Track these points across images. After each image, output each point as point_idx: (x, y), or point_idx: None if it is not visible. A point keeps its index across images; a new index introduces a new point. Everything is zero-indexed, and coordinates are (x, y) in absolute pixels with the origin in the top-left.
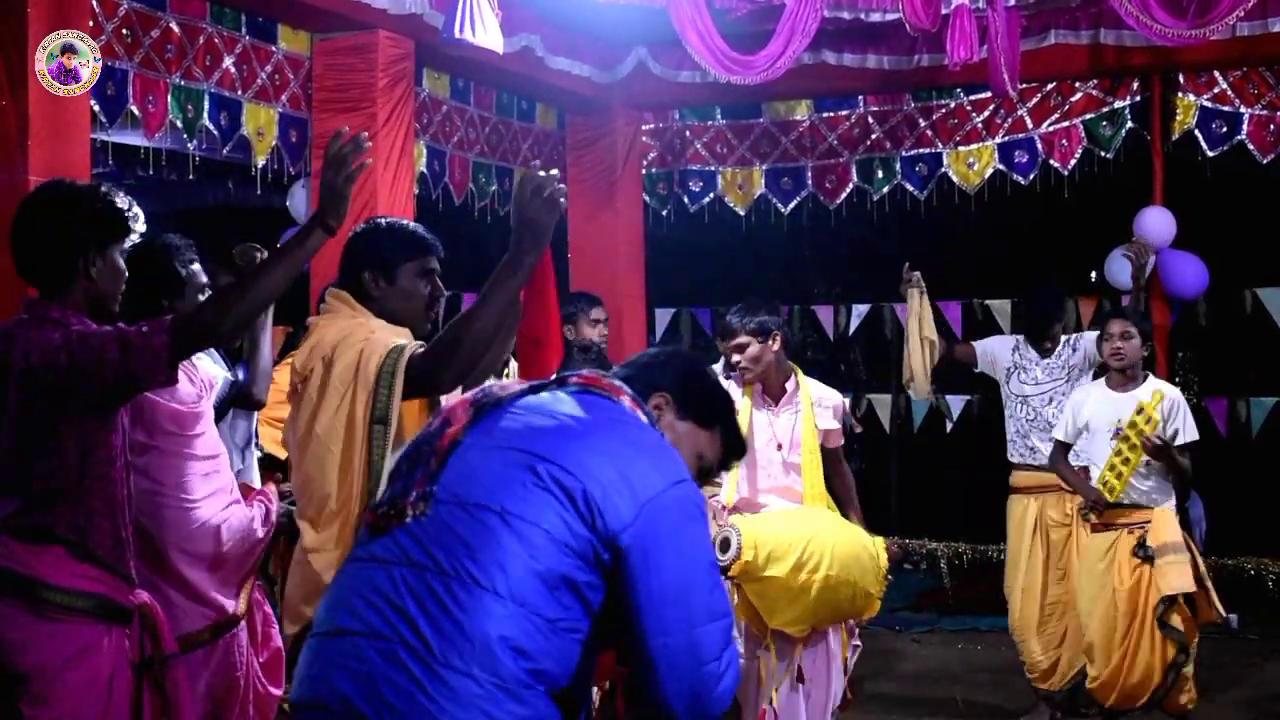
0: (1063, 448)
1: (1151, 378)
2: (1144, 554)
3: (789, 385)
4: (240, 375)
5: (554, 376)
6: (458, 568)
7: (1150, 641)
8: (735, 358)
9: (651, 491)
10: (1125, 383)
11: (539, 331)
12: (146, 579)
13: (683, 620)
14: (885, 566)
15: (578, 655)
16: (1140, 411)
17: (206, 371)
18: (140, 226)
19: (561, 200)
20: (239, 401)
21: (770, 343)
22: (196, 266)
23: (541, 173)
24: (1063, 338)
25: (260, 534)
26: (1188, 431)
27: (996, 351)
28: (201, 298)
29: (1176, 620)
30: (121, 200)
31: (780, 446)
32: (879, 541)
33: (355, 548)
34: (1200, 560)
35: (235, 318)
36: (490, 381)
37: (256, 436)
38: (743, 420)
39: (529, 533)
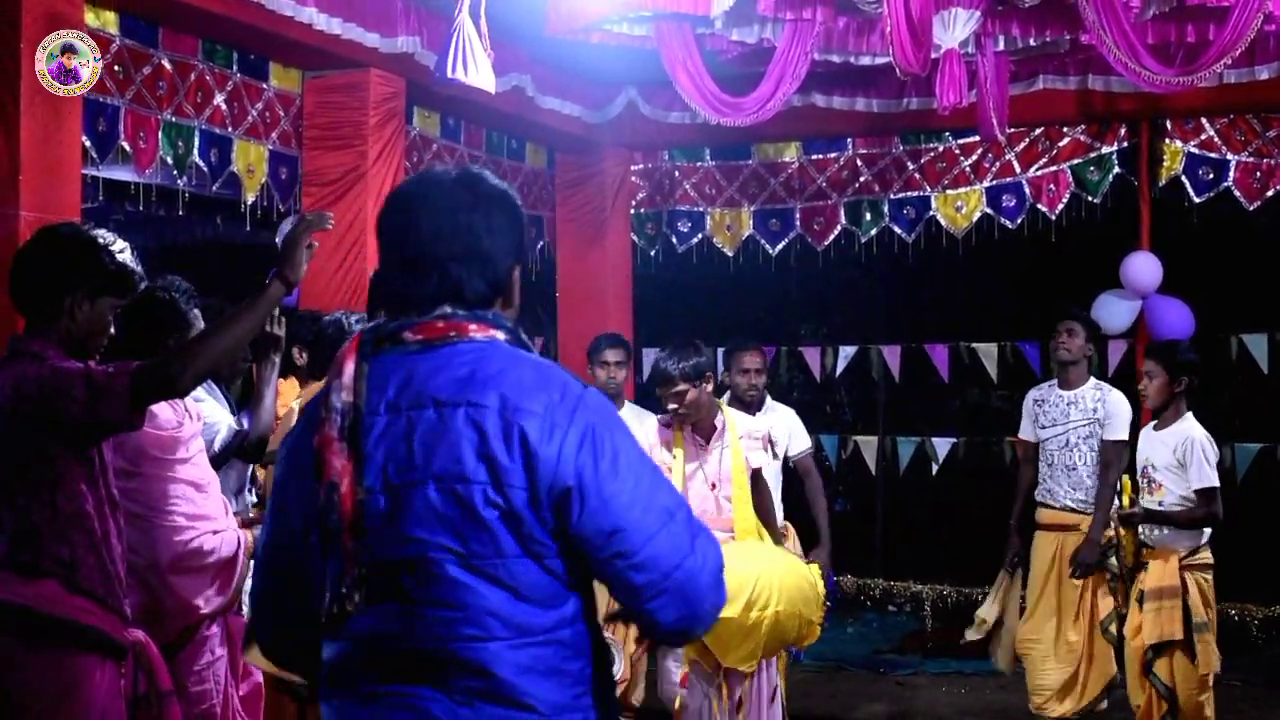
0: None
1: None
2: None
3: (717, 422)
4: (245, 423)
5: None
6: (452, 634)
7: (1138, 687)
8: (672, 405)
9: (565, 424)
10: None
11: None
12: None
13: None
14: (823, 593)
15: (587, 630)
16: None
17: (194, 404)
18: (136, 289)
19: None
20: (238, 450)
21: (705, 385)
22: (198, 312)
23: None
24: (1091, 382)
25: (242, 559)
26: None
27: (1025, 413)
28: None
29: (1161, 670)
30: (133, 263)
31: (714, 485)
32: (814, 569)
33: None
34: (1205, 610)
35: (196, 371)
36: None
37: (254, 481)
38: (676, 469)
39: (491, 567)
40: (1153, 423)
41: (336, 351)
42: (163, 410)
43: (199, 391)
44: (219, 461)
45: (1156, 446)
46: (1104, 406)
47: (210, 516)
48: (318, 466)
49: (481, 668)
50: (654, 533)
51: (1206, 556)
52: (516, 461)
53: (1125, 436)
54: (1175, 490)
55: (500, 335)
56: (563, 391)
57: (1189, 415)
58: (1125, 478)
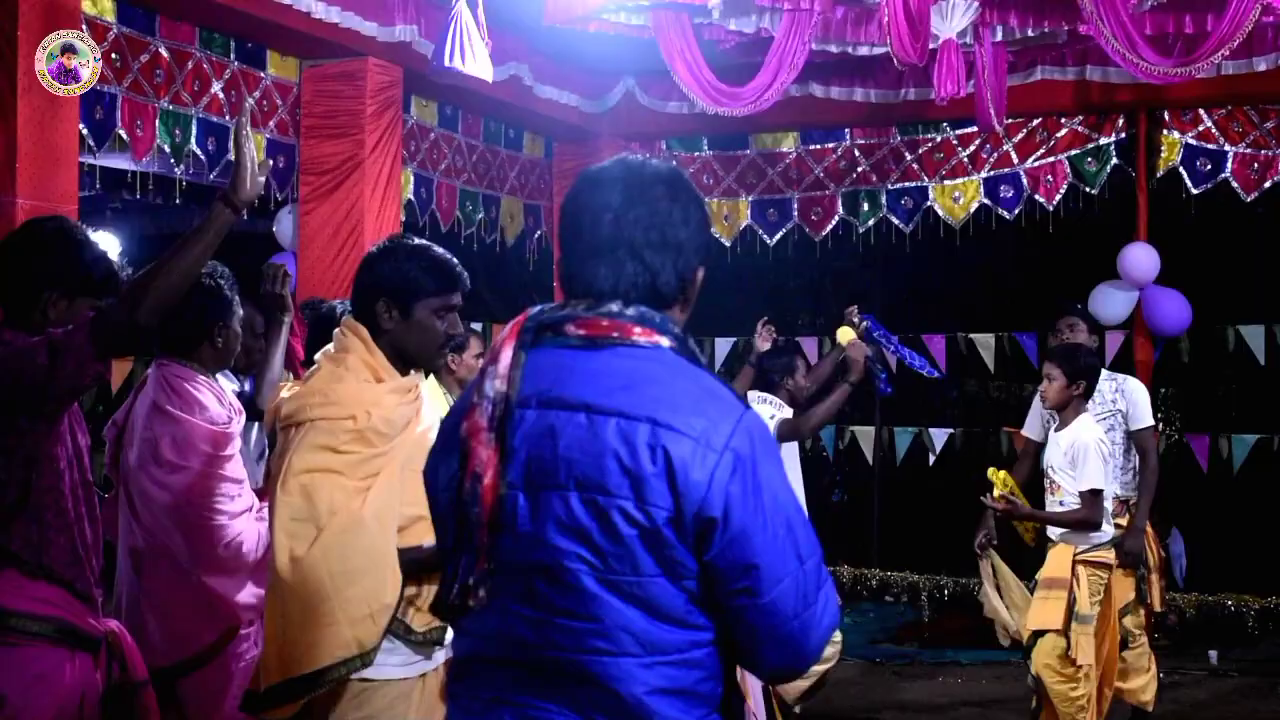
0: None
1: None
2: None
3: None
4: (247, 388)
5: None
6: (583, 645)
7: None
8: None
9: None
10: None
11: None
12: (158, 598)
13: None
14: None
15: (718, 651)
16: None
17: (237, 399)
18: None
19: None
20: (248, 411)
21: None
22: (238, 298)
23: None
24: (1105, 374)
25: None
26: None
27: (1034, 410)
28: (240, 329)
29: (1035, 658)
30: (116, 267)
31: None
32: None
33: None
34: (1091, 604)
35: (150, 306)
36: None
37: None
38: None
39: (628, 584)
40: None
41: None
42: (213, 405)
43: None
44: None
45: (1053, 447)
46: (1123, 397)
47: (247, 511)
48: (464, 454)
49: (611, 684)
50: (782, 578)
51: (1104, 555)
52: (662, 482)
53: (1151, 421)
54: (1071, 490)
55: (665, 342)
56: (722, 413)
57: (1084, 417)
58: (999, 471)
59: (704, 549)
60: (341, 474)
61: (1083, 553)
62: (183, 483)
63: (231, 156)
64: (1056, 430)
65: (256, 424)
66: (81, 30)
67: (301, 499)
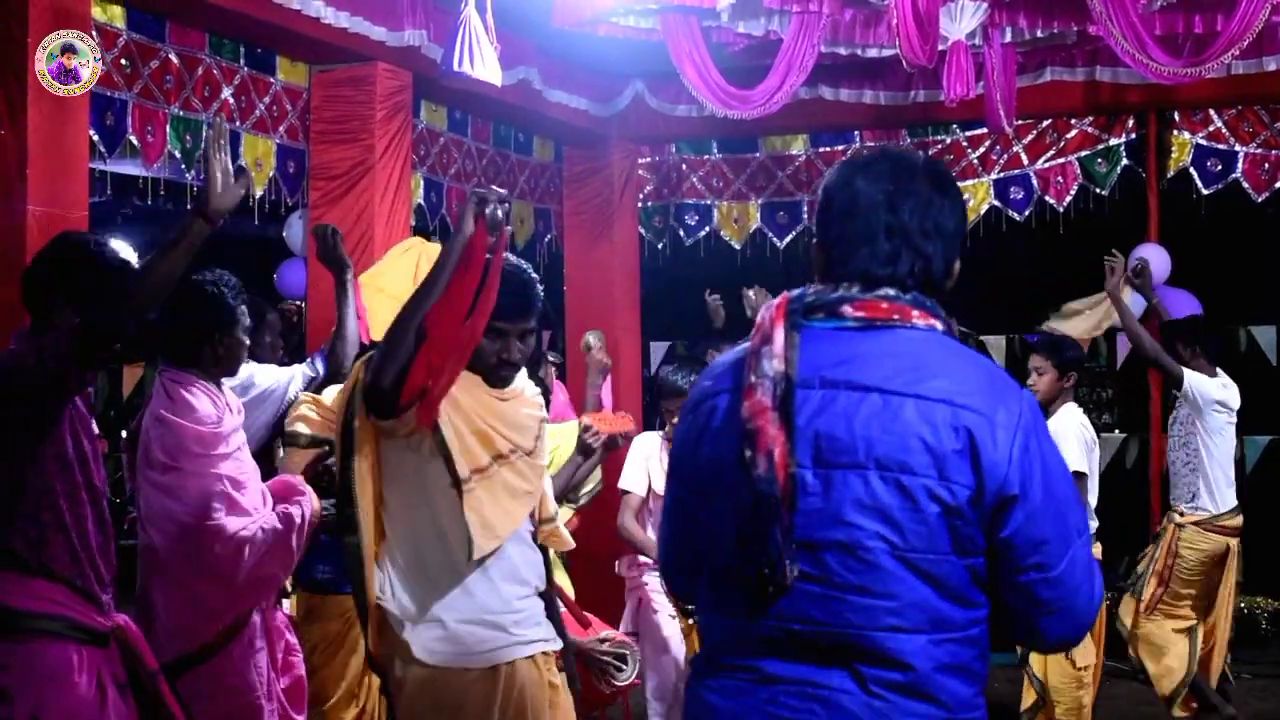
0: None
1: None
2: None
3: None
4: (319, 367)
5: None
6: (876, 622)
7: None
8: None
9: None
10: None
11: (437, 329)
12: (149, 596)
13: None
14: None
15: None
16: None
17: (240, 392)
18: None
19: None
20: (329, 381)
21: None
22: (244, 308)
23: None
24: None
25: (293, 542)
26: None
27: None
28: (245, 338)
29: (1036, 661)
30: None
31: None
32: None
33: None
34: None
35: (131, 311)
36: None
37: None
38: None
39: (923, 561)
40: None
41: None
42: (202, 405)
43: (248, 366)
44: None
45: None
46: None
47: (250, 512)
48: (750, 433)
49: (903, 660)
50: (1069, 549)
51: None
52: (965, 460)
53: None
54: None
55: (939, 325)
56: (1010, 394)
57: (1069, 405)
58: None
59: (1000, 526)
60: None
61: None
62: (175, 483)
63: (243, 162)
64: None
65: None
66: (92, 36)
67: None
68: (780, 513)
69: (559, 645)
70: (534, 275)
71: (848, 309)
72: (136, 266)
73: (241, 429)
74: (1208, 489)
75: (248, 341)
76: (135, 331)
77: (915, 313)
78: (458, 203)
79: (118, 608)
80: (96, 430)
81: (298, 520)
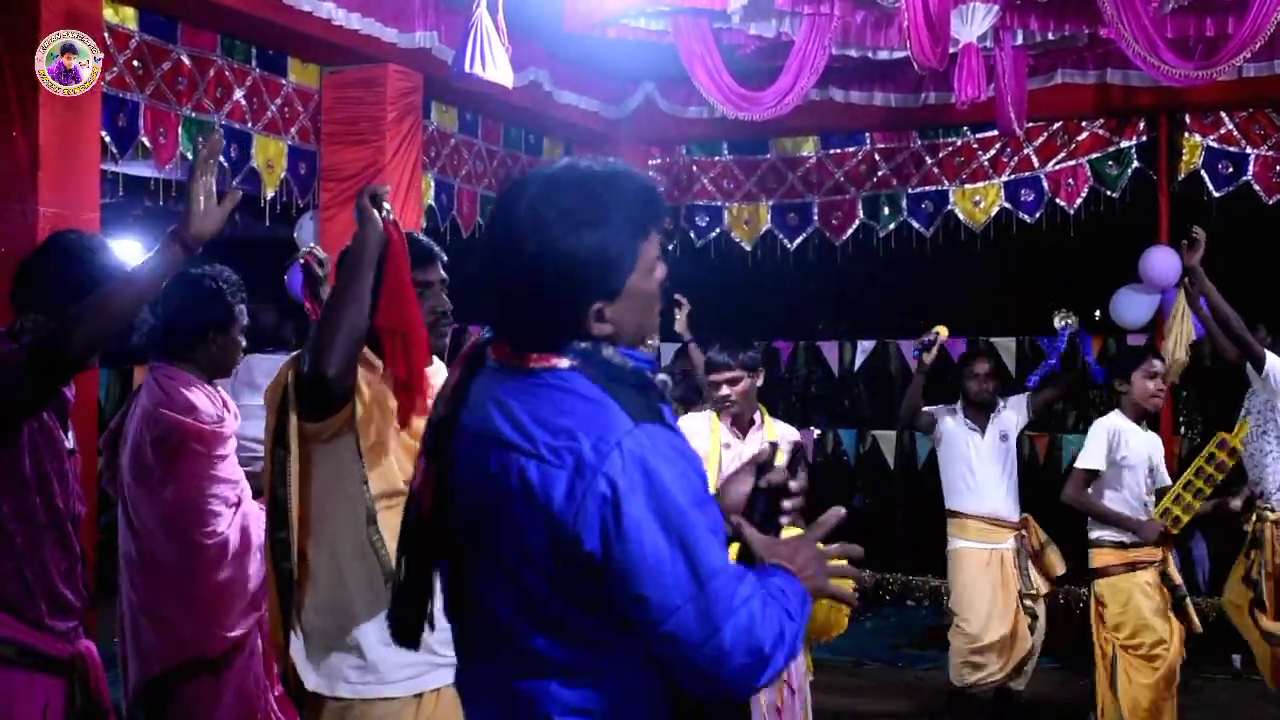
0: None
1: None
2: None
3: (756, 418)
4: None
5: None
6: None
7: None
8: (725, 390)
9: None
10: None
11: (400, 323)
12: (152, 605)
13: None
14: (853, 585)
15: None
16: (1222, 445)
17: (234, 401)
18: None
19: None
20: None
21: (756, 377)
22: (243, 307)
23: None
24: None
25: None
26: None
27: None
28: (242, 338)
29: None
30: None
31: None
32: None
33: None
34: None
35: (79, 343)
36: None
37: None
38: (713, 456)
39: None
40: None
41: None
42: (203, 404)
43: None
44: None
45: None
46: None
47: (238, 516)
48: None
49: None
50: (678, 606)
51: None
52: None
53: None
54: None
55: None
56: (596, 432)
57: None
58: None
59: (592, 578)
60: None
61: None
62: (171, 484)
63: (254, 163)
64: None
65: None
66: (103, 39)
67: None
68: None
69: None
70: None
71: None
72: (102, 289)
73: (235, 436)
74: None
75: (244, 342)
76: (87, 360)
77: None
78: (468, 204)
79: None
80: (71, 447)
81: None
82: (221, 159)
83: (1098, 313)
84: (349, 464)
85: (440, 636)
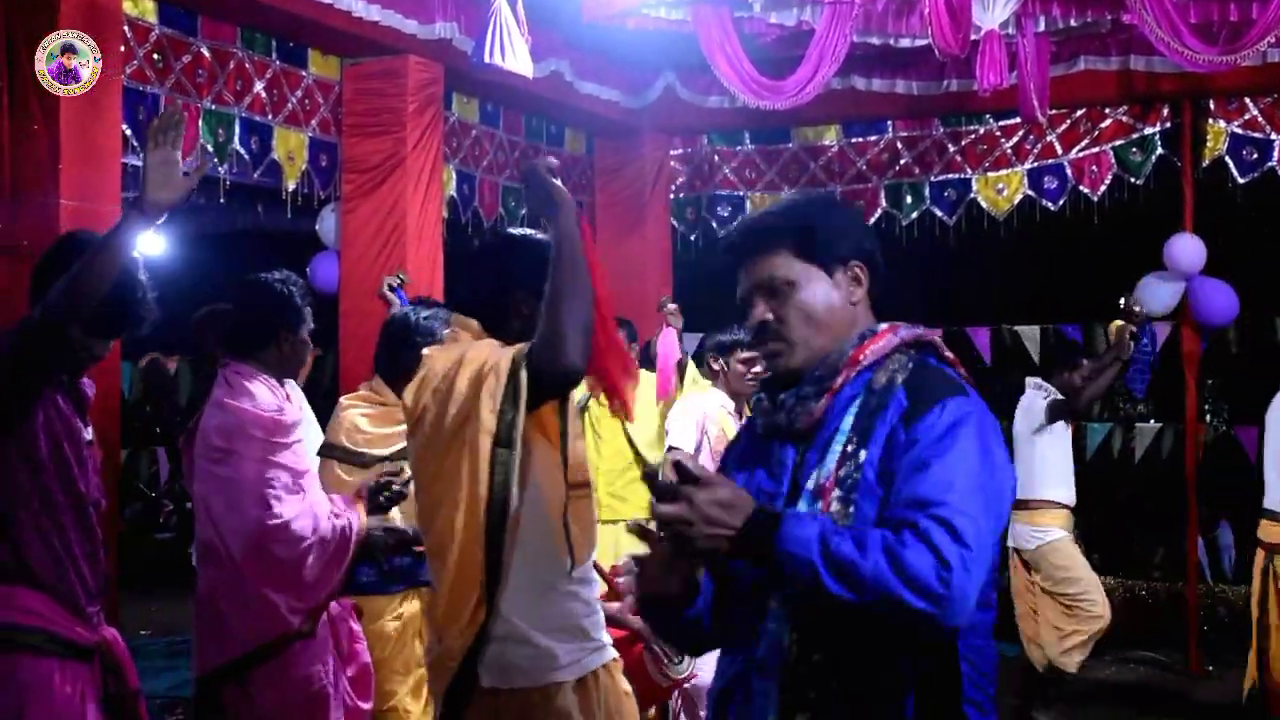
0: None
1: None
2: None
3: None
4: None
5: None
6: None
7: None
8: (759, 368)
9: None
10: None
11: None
12: (224, 589)
13: None
14: None
15: None
16: None
17: (295, 392)
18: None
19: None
20: None
21: None
22: (310, 310)
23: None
24: None
25: (347, 558)
26: None
27: None
28: (309, 340)
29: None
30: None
31: None
32: None
33: None
34: None
35: (53, 313)
36: None
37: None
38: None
39: None
40: None
41: (403, 349)
42: (261, 392)
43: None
44: None
45: None
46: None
47: (303, 509)
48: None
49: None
50: None
51: None
52: None
53: None
54: None
55: None
56: None
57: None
58: None
59: None
60: None
61: None
62: (233, 469)
63: (275, 155)
64: None
65: None
66: (122, 32)
67: None
68: None
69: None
70: None
71: None
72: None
73: (302, 424)
74: None
75: (311, 345)
76: (69, 335)
77: None
78: (489, 194)
79: (177, 604)
80: (89, 438)
81: (351, 535)
82: (241, 150)
83: (1122, 301)
84: (553, 457)
85: (594, 620)
